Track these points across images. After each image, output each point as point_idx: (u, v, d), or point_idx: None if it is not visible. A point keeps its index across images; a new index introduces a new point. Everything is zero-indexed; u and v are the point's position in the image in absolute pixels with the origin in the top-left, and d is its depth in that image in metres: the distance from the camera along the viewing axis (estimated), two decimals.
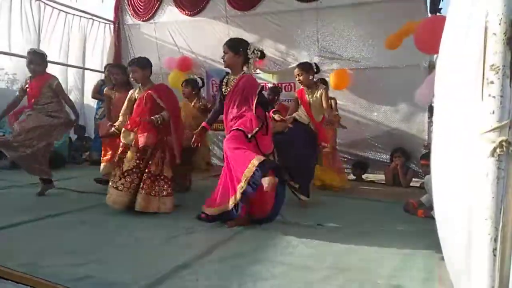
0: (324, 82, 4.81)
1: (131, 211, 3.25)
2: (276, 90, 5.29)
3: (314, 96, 3.66)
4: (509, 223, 1.15)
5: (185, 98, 4.49)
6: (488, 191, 1.16)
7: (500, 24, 1.11)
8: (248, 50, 2.91)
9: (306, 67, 3.65)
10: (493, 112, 1.14)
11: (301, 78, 3.63)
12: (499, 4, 1.12)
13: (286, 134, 3.36)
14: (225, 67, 3.05)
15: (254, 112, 2.85)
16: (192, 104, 4.40)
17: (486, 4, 1.19)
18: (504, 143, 1.11)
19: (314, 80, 3.83)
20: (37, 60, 3.65)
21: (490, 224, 1.16)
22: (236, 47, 2.91)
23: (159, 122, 3.21)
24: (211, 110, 4.39)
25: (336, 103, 4.83)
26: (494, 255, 1.14)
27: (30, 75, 3.71)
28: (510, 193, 1.15)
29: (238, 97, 2.89)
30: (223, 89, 3.02)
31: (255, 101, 2.85)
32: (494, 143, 1.13)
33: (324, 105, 3.62)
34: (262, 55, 2.99)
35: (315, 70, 3.72)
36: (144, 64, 3.33)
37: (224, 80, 3.05)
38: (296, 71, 3.67)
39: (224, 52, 2.95)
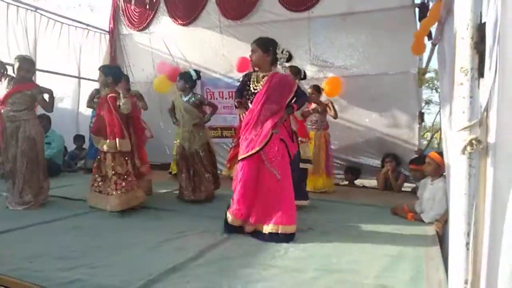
0: (317, 88, 4.89)
1: (122, 216, 3.29)
2: None
3: None
4: (481, 219, 1.20)
5: (179, 92, 4.37)
6: (461, 188, 1.22)
7: (467, 29, 1.18)
8: (277, 50, 2.87)
9: (295, 71, 3.83)
10: (464, 112, 1.20)
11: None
12: (466, 10, 1.19)
13: None
14: (252, 66, 2.98)
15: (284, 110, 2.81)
16: (186, 98, 4.26)
17: (456, 10, 1.26)
18: (474, 141, 1.17)
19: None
20: (27, 66, 3.58)
21: (463, 219, 1.21)
22: (265, 46, 2.86)
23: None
24: (207, 105, 4.41)
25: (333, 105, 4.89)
26: (467, 249, 1.19)
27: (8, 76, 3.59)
28: (481, 189, 1.20)
29: (272, 94, 2.80)
30: (252, 86, 2.90)
31: (288, 99, 2.83)
32: (465, 141, 1.19)
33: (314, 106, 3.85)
34: (290, 57, 2.94)
35: (302, 76, 3.90)
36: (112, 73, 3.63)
37: (251, 78, 2.94)
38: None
39: (252, 50, 2.88)
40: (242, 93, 3.01)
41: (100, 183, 3.52)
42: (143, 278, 1.96)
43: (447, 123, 2.65)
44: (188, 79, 4.23)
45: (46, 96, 3.70)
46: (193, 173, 4.16)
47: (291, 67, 3.87)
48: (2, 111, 3.53)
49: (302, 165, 3.67)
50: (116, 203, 3.34)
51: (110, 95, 3.49)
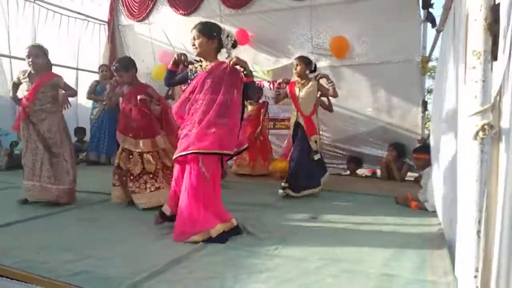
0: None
1: (125, 208, 3.28)
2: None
3: (304, 90, 3.72)
4: (492, 206, 1.17)
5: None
6: (472, 174, 1.19)
7: (480, 10, 1.14)
8: (222, 36, 2.51)
9: (306, 61, 3.76)
10: (476, 97, 1.17)
11: (298, 68, 3.71)
12: None
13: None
14: (196, 55, 2.57)
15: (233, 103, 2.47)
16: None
17: None
18: (486, 127, 1.14)
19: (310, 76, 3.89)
20: (36, 52, 3.32)
21: (474, 206, 1.18)
22: (209, 32, 2.50)
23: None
24: None
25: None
26: (478, 237, 1.16)
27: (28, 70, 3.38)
28: (493, 176, 1.17)
29: (212, 84, 2.46)
30: (192, 73, 2.61)
31: (238, 91, 2.49)
32: (477, 126, 1.16)
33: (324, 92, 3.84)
34: (235, 44, 2.58)
35: (313, 68, 3.81)
36: (128, 65, 3.36)
37: (194, 67, 2.63)
38: (296, 61, 3.77)
39: (194, 37, 2.50)
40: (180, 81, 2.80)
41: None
42: (147, 269, 1.95)
43: (441, 109, 2.62)
44: None
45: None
46: None
47: (300, 57, 3.82)
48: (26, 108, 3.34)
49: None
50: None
51: (140, 97, 3.27)
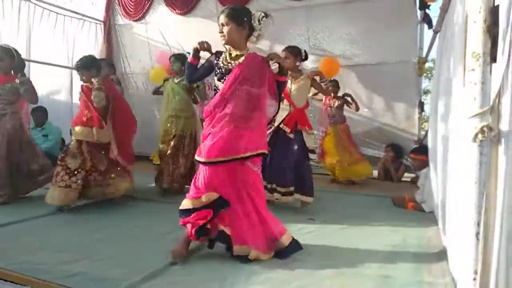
0: (336, 84, 4.82)
1: (124, 209, 3.26)
2: None
3: (296, 83, 3.46)
4: (491, 208, 1.17)
5: (170, 75, 4.25)
6: (471, 176, 1.19)
7: (480, 12, 1.14)
8: (252, 21, 2.26)
9: (295, 51, 3.44)
10: (475, 99, 1.17)
11: (287, 61, 3.37)
12: None
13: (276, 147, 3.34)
14: (225, 43, 2.31)
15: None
16: (177, 81, 4.09)
17: None
18: (485, 129, 1.14)
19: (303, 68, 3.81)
20: (0, 54, 3.42)
21: (473, 208, 1.18)
22: (239, 17, 2.23)
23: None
24: (197, 90, 4.03)
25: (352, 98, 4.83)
26: (477, 239, 1.16)
27: None
28: (492, 178, 1.17)
29: (248, 79, 2.21)
30: (223, 64, 2.30)
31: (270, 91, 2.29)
32: (476, 129, 1.16)
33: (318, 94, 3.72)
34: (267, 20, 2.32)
35: (303, 57, 3.52)
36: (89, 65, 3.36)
37: (223, 56, 2.34)
38: (284, 53, 3.42)
39: (223, 24, 2.24)
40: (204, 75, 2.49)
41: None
42: (145, 270, 1.94)
43: (439, 112, 2.63)
44: (184, 61, 3.93)
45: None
46: (172, 160, 3.93)
47: (289, 47, 3.49)
48: None
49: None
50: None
51: (83, 84, 3.34)
